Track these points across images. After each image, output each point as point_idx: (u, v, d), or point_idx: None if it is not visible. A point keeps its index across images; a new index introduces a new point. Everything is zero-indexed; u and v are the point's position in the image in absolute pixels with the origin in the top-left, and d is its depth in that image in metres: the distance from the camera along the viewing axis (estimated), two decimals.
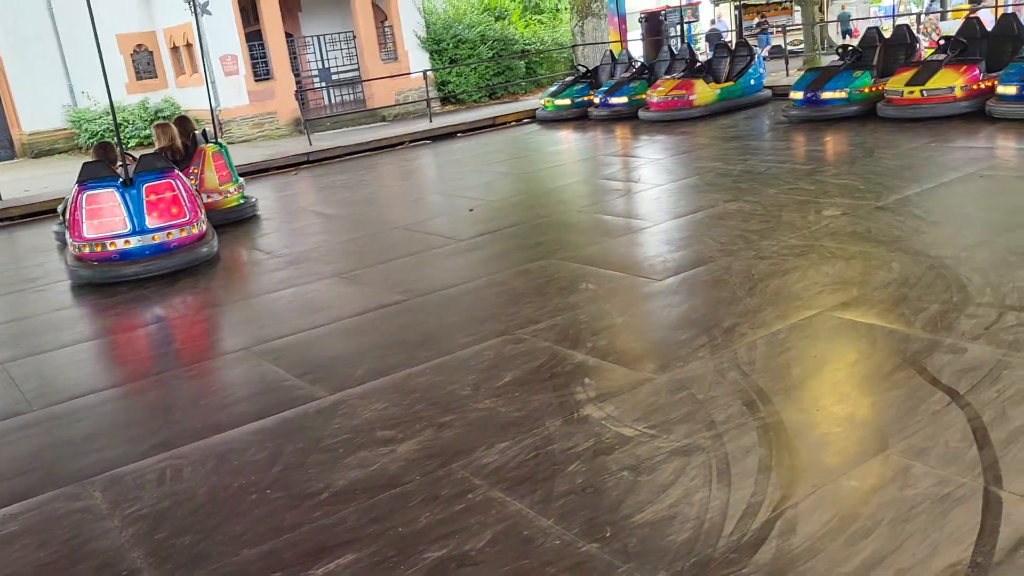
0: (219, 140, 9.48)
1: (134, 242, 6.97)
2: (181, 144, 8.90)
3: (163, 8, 18.20)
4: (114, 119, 7.78)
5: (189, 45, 17.64)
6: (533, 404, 3.72)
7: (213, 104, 17.19)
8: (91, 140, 17.49)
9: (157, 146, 8.82)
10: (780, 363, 3.86)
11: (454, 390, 4.00)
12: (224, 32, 16.70)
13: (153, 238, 7.00)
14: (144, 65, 19.33)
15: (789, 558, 2.48)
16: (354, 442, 3.56)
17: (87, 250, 6.99)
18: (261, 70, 17.70)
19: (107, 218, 6.99)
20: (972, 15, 12.77)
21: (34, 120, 18.41)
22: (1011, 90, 9.28)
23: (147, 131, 17.72)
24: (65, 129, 18.56)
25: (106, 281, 6.87)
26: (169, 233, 7.06)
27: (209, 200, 8.59)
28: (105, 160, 7.58)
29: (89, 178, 7.09)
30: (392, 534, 2.83)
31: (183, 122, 9.22)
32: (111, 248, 6.96)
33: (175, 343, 5.53)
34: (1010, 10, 13.60)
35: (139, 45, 19.18)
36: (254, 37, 17.52)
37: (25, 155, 18.31)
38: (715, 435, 3.24)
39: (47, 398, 4.52)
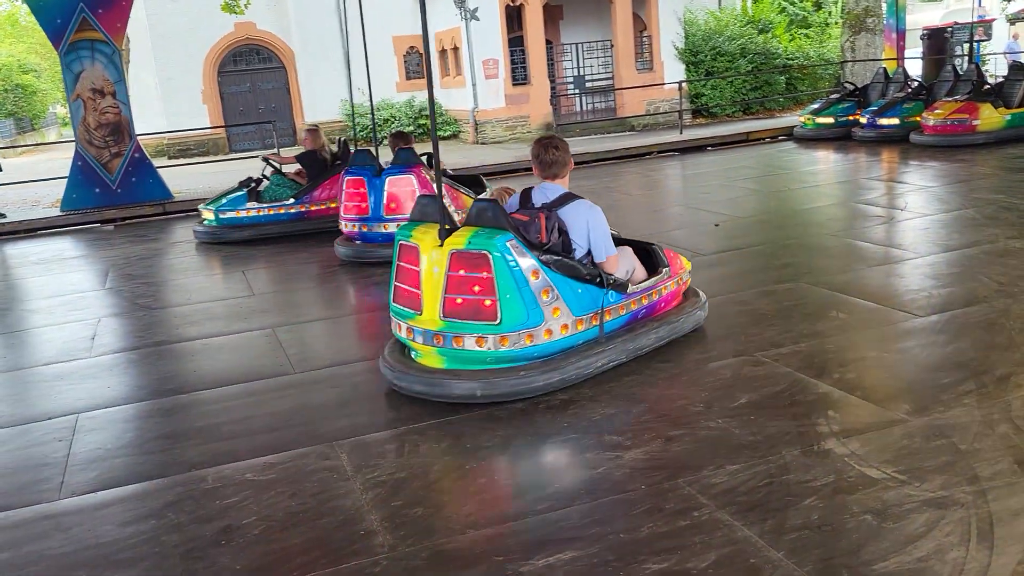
0: None
1: (369, 227, 7.53)
2: (328, 153, 9.40)
3: (436, 12, 19.40)
4: (372, 116, 8.44)
5: (456, 48, 18.66)
6: (769, 430, 3.54)
7: (471, 105, 18.10)
8: (362, 133, 19.02)
9: (305, 148, 9.36)
10: None
11: (685, 405, 3.91)
12: (488, 37, 17.52)
13: (384, 227, 7.48)
14: (414, 66, 20.72)
15: None
16: (581, 442, 3.58)
17: (346, 229, 7.68)
18: (519, 75, 18.36)
19: (355, 202, 7.60)
20: None
21: (314, 111, 20.32)
22: None
23: (409, 127, 19.00)
24: (340, 121, 20.31)
25: (356, 260, 7.47)
26: (392, 224, 7.43)
27: None
28: (368, 151, 8.10)
29: (353, 164, 7.74)
30: (613, 539, 2.81)
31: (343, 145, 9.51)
32: (353, 230, 7.61)
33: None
34: None
35: (411, 47, 20.58)
36: (516, 43, 18.21)
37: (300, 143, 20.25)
38: (978, 491, 2.92)
39: (307, 363, 4.96)
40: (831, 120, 13.97)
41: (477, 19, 17.42)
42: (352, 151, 9.34)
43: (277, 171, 9.35)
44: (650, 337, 4.53)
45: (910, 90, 13.49)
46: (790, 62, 19.79)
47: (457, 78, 18.93)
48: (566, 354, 4.14)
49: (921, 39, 17.80)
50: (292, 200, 9.08)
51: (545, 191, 4.45)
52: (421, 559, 2.79)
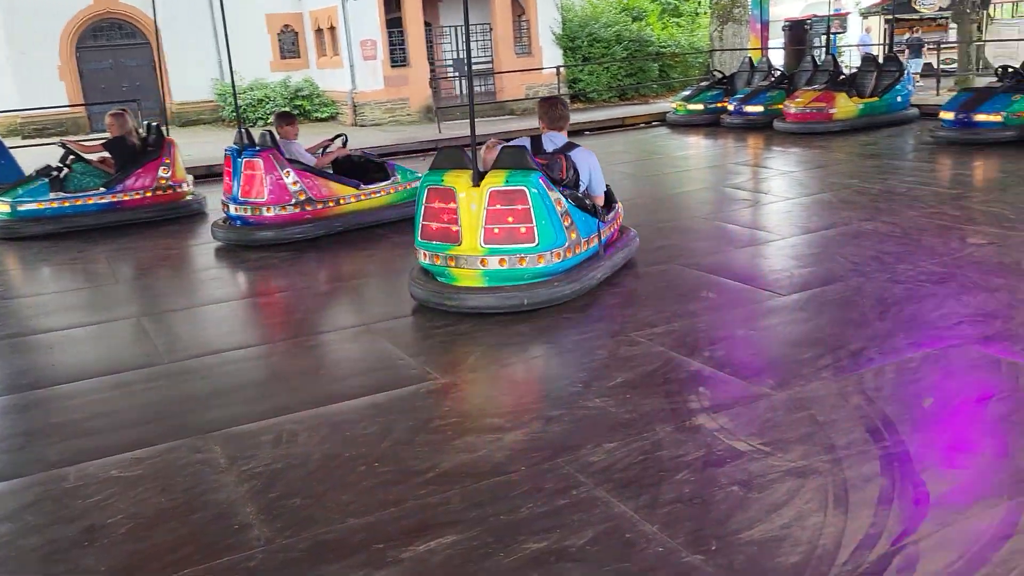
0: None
1: (231, 208, 7.37)
2: (138, 139, 8.83)
3: None
4: (235, 96, 8.13)
5: (332, 28, 18.24)
6: (644, 408, 3.65)
7: (349, 86, 17.75)
8: (233, 113, 18.33)
9: (112, 135, 8.67)
10: (910, 393, 3.67)
11: (564, 386, 3.99)
12: (366, 17, 17.18)
13: (236, 209, 7.33)
14: (289, 45, 20.11)
15: None
16: (462, 426, 3.59)
17: (224, 210, 7.56)
18: (398, 57, 18.12)
19: (228, 181, 7.44)
20: None
21: (184, 91, 19.44)
22: None
23: (286, 108, 18.47)
24: (211, 101, 19.53)
25: (232, 244, 7.27)
26: (246, 208, 7.27)
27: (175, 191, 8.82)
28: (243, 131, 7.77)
29: (232, 144, 7.54)
30: (493, 521, 2.84)
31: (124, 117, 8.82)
32: (226, 210, 7.48)
33: (298, 314, 5.70)
34: None
35: (286, 25, 19.97)
36: (394, 24, 17.95)
37: (172, 123, 19.35)
38: (834, 459, 3.11)
39: (177, 353, 4.76)
40: (701, 107, 14.46)
41: None
42: (166, 136, 8.93)
43: (79, 158, 8.61)
44: (618, 256, 5.71)
45: (773, 79, 14.11)
46: (663, 50, 20.34)
47: (334, 58, 18.51)
48: (579, 268, 5.19)
49: (783, 30, 18.63)
50: (103, 189, 8.42)
51: (553, 139, 5.53)
52: (299, 551, 2.74)
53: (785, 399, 3.65)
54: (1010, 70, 10.88)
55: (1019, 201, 7.15)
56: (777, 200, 8.14)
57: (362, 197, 7.64)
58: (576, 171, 5.40)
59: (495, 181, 4.93)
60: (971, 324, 4.39)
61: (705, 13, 22.59)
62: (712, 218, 7.62)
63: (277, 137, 7.49)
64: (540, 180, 4.91)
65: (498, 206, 4.91)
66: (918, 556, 2.51)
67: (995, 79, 11.02)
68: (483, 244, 4.94)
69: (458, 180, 5.00)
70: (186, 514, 3.00)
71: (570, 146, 5.49)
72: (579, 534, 2.73)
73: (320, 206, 7.38)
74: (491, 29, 18.87)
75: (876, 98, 12.65)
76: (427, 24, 18.62)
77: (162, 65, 19.41)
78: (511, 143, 5.32)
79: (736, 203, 8.25)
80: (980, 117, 10.26)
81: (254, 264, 6.75)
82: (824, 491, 2.90)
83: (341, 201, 7.54)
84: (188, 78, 19.30)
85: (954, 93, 11.96)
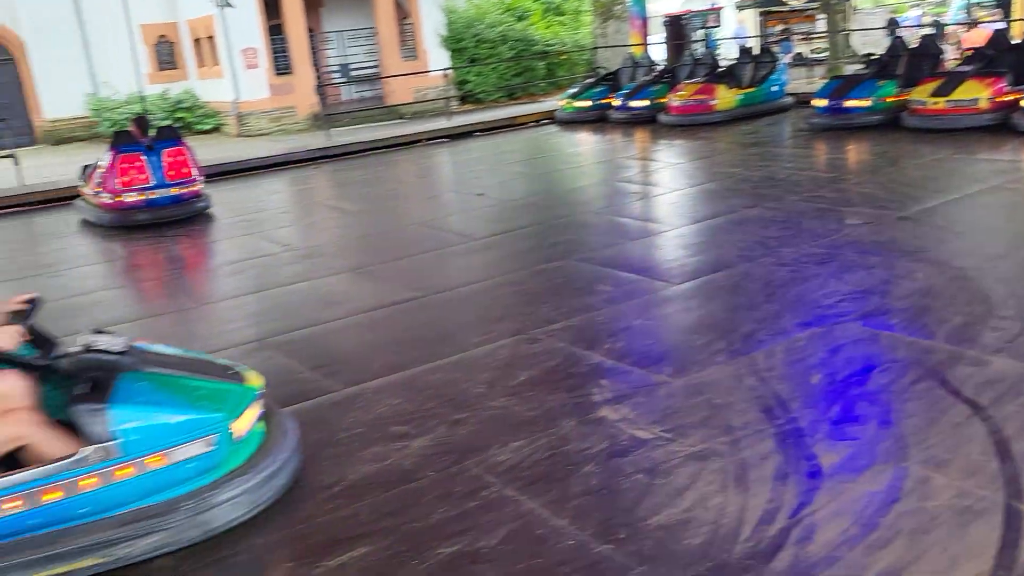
0: None
1: None
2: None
3: (186, 0, 18.30)
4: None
5: (211, 37, 17.72)
6: (548, 404, 3.69)
7: (233, 96, 17.27)
8: (112, 128, 17.57)
9: None
10: (799, 371, 3.83)
11: (468, 388, 3.99)
12: (246, 25, 16.77)
13: None
14: (166, 56, 19.42)
15: (806, 565, 2.45)
16: (368, 436, 3.55)
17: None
18: (282, 64, 17.74)
19: None
20: (1000, 28, 12.66)
21: (55, 107, 18.51)
22: None
23: (166, 120, 17.84)
24: (85, 117, 18.64)
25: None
26: None
27: None
28: None
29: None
30: (405, 529, 2.82)
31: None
32: None
33: (188, 333, 5.52)
34: None
35: (162, 36, 19.27)
36: (276, 31, 17.57)
37: (45, 142, 18.40)
38: (732, 440, 3.22)
39: None
40: (588, 103, 14.70)
41: (231, 6, 16.58)
42: None
43: None
44: None
45: (655, 74, 14.47)
46: (548, 48, 20.59)
47: (214, 68, 17.97)
48: None
49: (663, 26, 19.15)
50: None
51: None
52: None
53: (683, 385, 3.76)
54: (874, 57, 11.48)
55: (889, 182, 7.56)
56: (666, 192, 8.36)
57: None
58: None
59: None
60: (852, 301, 4.62)
61: (587, 11, 22.99)
62: (605, 212, 7.76)
63: None
64: None
65: None
66: (815, 526, 2.63)
67: (862, 66, 11.60)
68: None
69: None
70: None
71: None
72: (491, 534, 2.74)
73: None
74: (375, 33, 18.70)
75: (753, 88, 13.13)
76: (310, 30, 18.30)
77: (30, 82, 18.48)
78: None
79: (627, 197, 8.43)
80: (850, 103, 10.78)
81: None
82: (724, 472, 3.00)
83: None
84: (59, 94, 18.40)
85: (825, 81, 12.53)
